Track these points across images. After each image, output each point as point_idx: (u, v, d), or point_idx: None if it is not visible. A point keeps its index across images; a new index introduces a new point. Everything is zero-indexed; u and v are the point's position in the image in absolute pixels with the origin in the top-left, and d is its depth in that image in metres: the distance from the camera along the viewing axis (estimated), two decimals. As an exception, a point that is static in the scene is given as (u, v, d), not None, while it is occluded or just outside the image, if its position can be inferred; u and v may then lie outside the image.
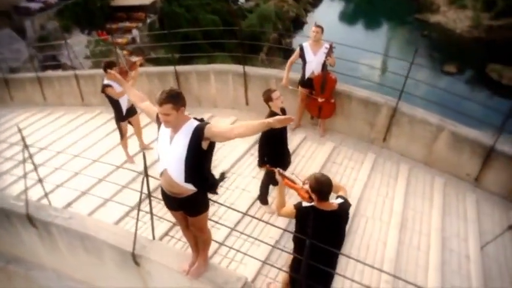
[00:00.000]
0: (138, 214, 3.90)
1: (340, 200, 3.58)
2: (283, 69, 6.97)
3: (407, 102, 6.57)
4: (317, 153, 6.61)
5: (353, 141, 6.99)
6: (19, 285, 5.30)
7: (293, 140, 6.83)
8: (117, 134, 6.65)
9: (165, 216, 4.70)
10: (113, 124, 6.67)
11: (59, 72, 9.99)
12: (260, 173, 5.99)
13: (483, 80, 19.33)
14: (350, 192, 5.87)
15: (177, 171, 3.15)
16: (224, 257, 4.72)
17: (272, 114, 4.82)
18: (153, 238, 4.13)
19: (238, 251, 4.47)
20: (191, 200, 3.28)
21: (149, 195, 3.86)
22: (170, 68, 8.08)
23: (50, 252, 4.87)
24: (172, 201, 3.38)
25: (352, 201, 5.67)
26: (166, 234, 5.20)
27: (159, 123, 3.21)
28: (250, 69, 7.43)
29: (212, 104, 8.09)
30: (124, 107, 6.25)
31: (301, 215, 3.54)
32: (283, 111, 4.95)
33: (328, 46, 6.21)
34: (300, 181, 3.67)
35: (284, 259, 4.90)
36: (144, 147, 6.98)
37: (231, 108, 7.95)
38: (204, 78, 7.84)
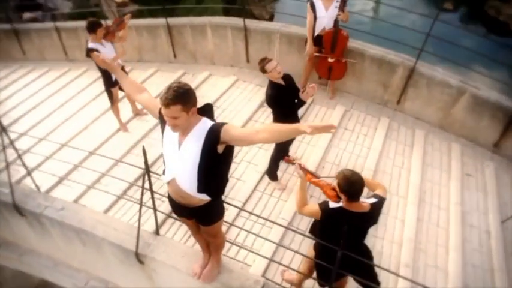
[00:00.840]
0: (140, 210, 3.44)
1: (373, 200, 3.14)
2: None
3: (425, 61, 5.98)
4: (327, 118, 6.10)
5: (365, 103, 6.46)
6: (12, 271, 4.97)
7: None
8: (106, 96, 5.99)
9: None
10: (101, 84, 6.01)
11: (37, 25, 8.99)
12: (267, 144, 5.52)
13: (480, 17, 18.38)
14: (363, 163, 5.47)
15: (188, 181, 2.64)
16: (232, 244, 4.36)
17: (274, 85, 4.27)
18: (157, 233, 3.70)
19: (249, 231, 4.04)
20: (205, 209, 2.81)
21: (152, 192, 3.37)
22: (161, 21, 7.26)
23: (43, 240, 4.47)
24: (182, 210, 2.91)
25: (368, 173, 5.31)
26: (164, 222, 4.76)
27: (163, 122, 2.62)
28: (251, 23, 6.68)
29: (209, 61, 7.39)
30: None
31: (328, 217, 3.12)
32: (288, 79, 4.37)
33: (340, 0, 5.48)
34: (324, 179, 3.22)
35: (298, 243, 4.58)
36: (137, 113, 6.41)
37: (230, 66, 7.27)
38: (199, 33, 7.08)
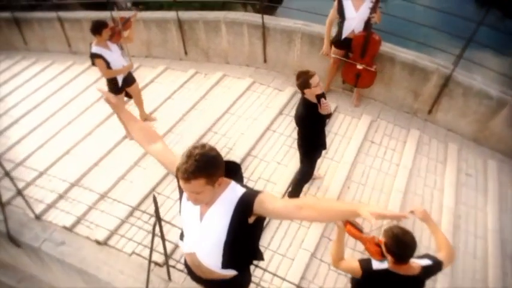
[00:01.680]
0: (150, 254, 3.00)
1: (426, 262, 2.66)
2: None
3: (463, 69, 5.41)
4: (352, 129, 5.58)
5: (392, 112, 5.92)
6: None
7: (323, 112, 5.77)
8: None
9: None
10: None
11: (39, 14, 8.41)
12: (287, 158, 5.05)
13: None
14: (392, 183, 4.98)
15: (211, 257, 2.17)
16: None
17: (308, 104, 3.75)
18: (169, 278, 3.27)
19: (265, 270, 3.60)
20: (230, 282, 2.34)
21: (163, 239, 2.92)
22: (171, 14, 6.69)
23: (42, 271, 4.06)
24: (202, 281, 2.44)
25: (397, 195, 4.84)
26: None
27: (181, 189, 2.11)
28: (270, 20, 6.10)
29: (223, 60, 6.84)
30: (119, 76, 5.07)
31: (370, 279, 2.65)
32: (321, 97, 3.82)
33: (374, 0, 4.90)
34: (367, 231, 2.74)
35: (322, 277, 4.15)
36: (146, 118, 5.91)
37: (245, 66, 6.73)
38: (213, 29, 6.51)
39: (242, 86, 6.23)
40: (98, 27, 4.69)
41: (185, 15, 6.63)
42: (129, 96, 5.48)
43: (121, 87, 5.11)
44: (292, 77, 6.37)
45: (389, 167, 5.20)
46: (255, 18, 6.15)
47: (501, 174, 5.36)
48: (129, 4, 13.38)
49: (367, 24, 5.07)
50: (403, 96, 5.81)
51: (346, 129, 5.57)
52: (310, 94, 3.68)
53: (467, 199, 5.03)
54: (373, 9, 4.84)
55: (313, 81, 3.58)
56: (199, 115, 5.88)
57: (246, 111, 5.86)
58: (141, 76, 6.85)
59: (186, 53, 7.01)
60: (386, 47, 5.48)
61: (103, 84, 5.28)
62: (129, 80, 5.25)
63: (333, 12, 5.13)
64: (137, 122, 2.31)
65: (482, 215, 4.90)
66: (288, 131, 5.51)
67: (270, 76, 6.42)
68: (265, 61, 6.48)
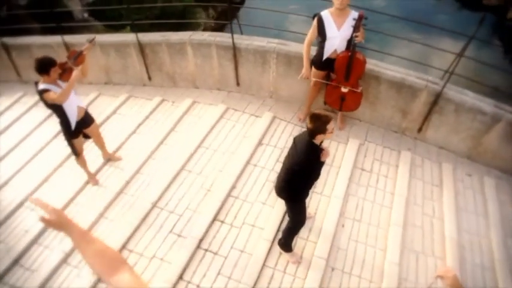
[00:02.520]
0: None
1: None
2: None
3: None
4: (339, 157, 5.10)
5: (380, 132, 5.49)
6: None
7: (306, 139, 5.27)
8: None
9: None
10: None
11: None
12: (273, 197, 4.52)
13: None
14: (389, 215, 4.54)
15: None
16: None
17: (313, 149, 3.23)
18: None
19: None
20: None
21: None
22: (131, 37, 6.04)
23: None
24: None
25: (396, 229, 4.41)
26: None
27: None
28: (241, 40, 5.54)
29: (191, 84, 6.24)
30: (73, 117, 4.39)
31: None
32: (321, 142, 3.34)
33: (356, 17, 4.42)
34: None
35: None
36: (109, 158, 5.25)
37: (216, 90, 6.15)
38: (178, 52, 5.90)
39: (215, 113, 5.65)
40: (44, 66, 4.01)
41: (146, 37, 5.99)
42: (87, 136, 4.81)
43: (75, 130, 4.43)
44: (269, 100, 5.89)
45: (383, 197, 4.76)
46: (224, 38, 5.58)
47: (500, 192, 5.03)
48: (85, 15, 12.55)
49: (350, 43, 4.61)
50: (391, 115, 5.39)
51: (333, 157, 5.09)
52: (319, 139, 3.17)
53: (469, 225, 4.65)
54: (356, 28, 4.36)
55: (330, 127, 3.07)
56: (170, 151, 5.27)
57: (221, 143, 5.28)
58: (102, 107, 6.18)
59: (149, 78, 6.36)
60: (370, 64, 5.03)
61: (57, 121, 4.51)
62: (86, 121, 4.59)
63: (312, 32, 4.63)
64: (91, 243, 1.64)
65: (486, 242, 4.53)
66: (269, 164, 4.98)
67: (245, 101, 5.87)
68: (238, 84, 5.92)
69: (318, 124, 3.05)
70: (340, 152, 5.16)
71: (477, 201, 4.91)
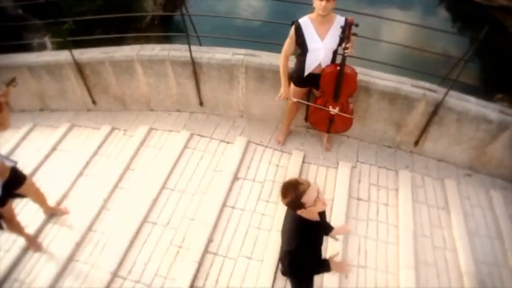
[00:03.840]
0: None
1: None
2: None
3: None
4: (330, 186, 4.34)
5: (372, 149, 4.78)
6: None
7: (288, 168, 4.47)
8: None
9: None
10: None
11: None
12: (259, 248, 3.72)
13: None
14: (397, 255, 3.87)
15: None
16: None
17: (306, 225, 2.41)
18: None
19: None
20: None
21: None
22: (65, 56, 4.96)
23: None
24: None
25: (408, 272, 3.74)
26: None
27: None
28: (201, 54, 4.61)
29: (145, 106, 5.25)
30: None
31: None
32: (322, 215, 2.54)
33: (343, 23, 3.60)
34: None
35: None
36: (53, 212, 4.26)
37: (176, 111, 5.20)
38: (125, 71, 4.89)
39: (177, 143, 4.72)
40: None
41: (84, 55, 4.92)
42: (20, 195, 3.78)
43: (2, 198, 3.41)
44: (240, 120, 5.01)
45: (387, 231, 4.06)
46: (180, 52, 4.62)
47: (509, 206, 4.47)
48: (20, 11, 11.03)
49: (335, 55, 3.80)
50: (383, 129, 4.67)
51: (323, 187, 4.32)
52: (309, 213, 2.33)
53: (485, 253, 4.06)
54: (345, 38, 3.53)
55: (309, 199, 2.22)
56: (127, 197, 4.32)
57: (189, 182, 4.39)
58: (38, 142, 5.12)
59: (94, 102, 5.31)
60: (359, 74, 4.23)
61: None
62: (15, 181, 3.56)
63: (289, 43, 3.77)
64: None
65: (506, 272, 3.94)
66: (250, 205, 4.16)
67: (211, 123, 4.97)
68: (201, 104, 5.01)
69: (289, 199, 2.24)
70: (331, 179, 4.39)
71: (488, 221, 4.32)
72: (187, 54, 4.51)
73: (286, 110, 4.50)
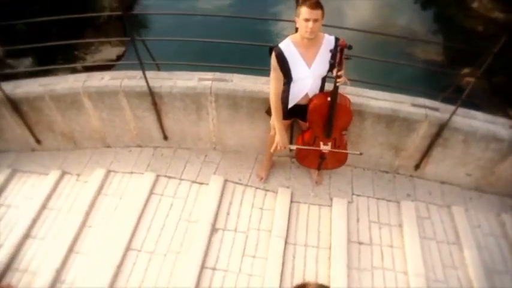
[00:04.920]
0: None
1: None
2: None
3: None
4: (325, 229, 3.72)
5: (368, 176, 4.18)
6: None
7: (274, 211, 3.81)
8: None
9: None
10: None
11: None
12: None
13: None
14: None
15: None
16: None
17: None
18: None
19: None
20: None
21: None
22: (-6, 91, 4.08)
23: None
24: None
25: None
26: None
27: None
28: (160, 81, 3.84)
29: (100, 142, 4.46)
30: None
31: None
32: None
33: (333, 44, 2.92)
34: None
35: None
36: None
37: (137, 147, 4.43)
38: (70, 105, 4.08)
39: (141, 188, 3.98)
40: None
41: (19, 90, 4.06)
42: None
43: None
44: (213, 154, 4.30)
45: (396, 281, 3.49)
46: (136, 81, 3.84)
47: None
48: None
49: (324, 81, 3.13)
50: (379, 154, 4.06)
51: (317, 233, 3.69)
52: None
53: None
54: (337, 63, 2.84)
55: None
56: (85, 265, 3.57)
57: (158, 239, 3.67)
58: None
59: (38, 141, 4.48)
60: (350, 94, 3.57)
61: None
62: None
63: (276, 77, 3.03)
64: None
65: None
66: (234, 264, 3.49)
67: (180, 160, 4.24)
68: (165, 138, 4.25)
69: None
70: (325, 221, 3.77)
71: (504, 253, 3.82)
72: (144, 83, 3.74)
73: (267, 141, 3.81)
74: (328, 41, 2.95)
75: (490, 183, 4.15)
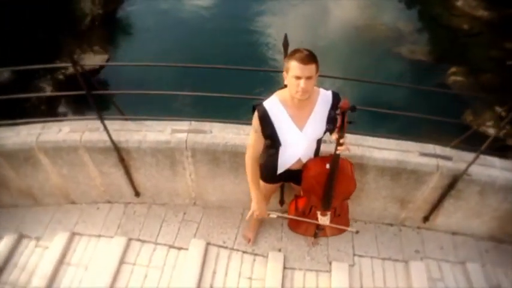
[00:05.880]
0: None
1: None
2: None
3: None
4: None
5: (371, 232, 3.68)
6: None
7: (265, 280, 3.27)
8: None
9: None
10: None
11: None
12: None
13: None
14: None
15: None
16: None
17: None
18: None
19: None
20: None
21: None
22: None
23: None
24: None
25: None
26: None
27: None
28: (127, 134, 3.28)
29: (64, 199, 3.89)
30: None
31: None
32: None
33: (330, 101, 2.40)
34: None
35: None
36: None
37: (106, 203, 3.87)
38: (25, 162, 3.51)
39: (110, 257, 3.42)
40: None
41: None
42: None
43: None
44: (193, 210, 3.75)
45: None
46: (98, 134, 3.28)
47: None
48: None
49: (320, 143, 2.61)
50: (383, 206, 3.56)
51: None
52: None
53: None
54: (338, 129, 2.30)
55: None
56: None
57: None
58: None
59: (-9, 199, 3.88)
60: (349, 144, 3.05)
61: None
62: None
63: (255, 139, 2.50)
64: None
65: None
66: None
67: (154, 218, 3.69)
68: (137, 195, 3.70)
69: None
70: (324, 290, 3.24)
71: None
72: (107, 138, 3.18)
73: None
74: (324, 98, 2.42)
75: (507, 232, 3.68)
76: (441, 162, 3.17)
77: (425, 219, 3.60)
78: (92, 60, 11.76)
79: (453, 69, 11.42)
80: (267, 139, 2.49)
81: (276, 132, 2.42)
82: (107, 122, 3.21)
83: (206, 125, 3.28)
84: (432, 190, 3.33)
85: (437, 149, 3.26)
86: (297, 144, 2.53)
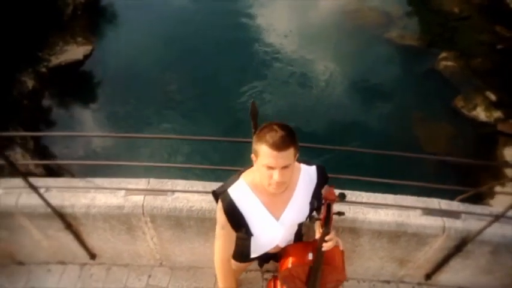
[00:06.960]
0: None
1: None
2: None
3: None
4: None
5: (365, 292, 3.17)
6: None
7: None
8: None
9: None
10: None
11: None
12: None
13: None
14: None
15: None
16: None
17: None
18: None
19: None
20: None
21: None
22: None
23: None
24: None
25: None
26: None
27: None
28: (71, 196, 2.71)
29: (9, 259, 3.34)
30: None
31: None
32: None
33: (315, 180, 1.87)
34: None
35: None
36: None
37: (59, 264, 3.33)
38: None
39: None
40: None
41: None
42: None
43: None
44: (160, 272, 3.21)
45: None
46: (37, 198, 2.69)
47: None
48: None
49: (301, 228, 2.08)
50: (379, 266, 3.08)
51: None
52: None
53: None
54: (323, 221, 1.79)
55: None
56: None
57: None
58: None
59: None
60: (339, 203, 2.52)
61: None
62: None
63: (224, 238, 1.99)
64: None
65: None
66: None
67: (115, 283, 3.16)
68: (93, 257, 3.16)
69: None
70: None
71: None
72: (40, 203, 2.62)
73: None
74: (306, 177, 1.90)
75: (519, 285, 3.22)
76: (447, 222, 2.67)
77: (428, 277, 3.13)
78: (75, 52, 11.10)
79: (444, 54, 11.02)
80: (237, 232, 1.96)
81: (247, 224, 1.89)
82: (49, 180, 2.66)
83: (167, 184, 2.73)
84: (436, 251, 2.85)
85: (443, 204, 2.76)
86: (273, 234, 2.00)
